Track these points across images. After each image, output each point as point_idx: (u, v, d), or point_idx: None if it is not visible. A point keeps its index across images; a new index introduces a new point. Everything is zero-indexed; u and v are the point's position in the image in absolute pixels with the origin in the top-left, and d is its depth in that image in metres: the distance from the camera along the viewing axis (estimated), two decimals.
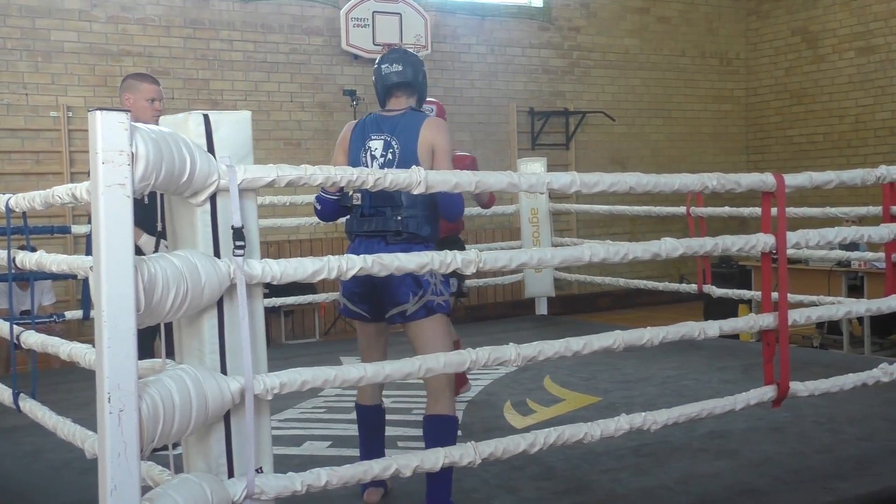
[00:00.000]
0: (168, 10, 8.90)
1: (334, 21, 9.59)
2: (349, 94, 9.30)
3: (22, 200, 3.58)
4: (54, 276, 6.98)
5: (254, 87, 9.28)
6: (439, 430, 3.60)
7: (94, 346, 3.41)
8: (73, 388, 5.75)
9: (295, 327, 9.14)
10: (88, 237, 6.16)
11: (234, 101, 9.10)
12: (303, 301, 7.99)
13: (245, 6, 9.22)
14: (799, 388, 3.97)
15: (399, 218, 3.64)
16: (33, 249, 3.76)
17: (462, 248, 4.88)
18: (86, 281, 6.96)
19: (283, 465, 3.08)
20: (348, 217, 3.81)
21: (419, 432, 4.25)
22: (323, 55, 9.63)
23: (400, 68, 3.83)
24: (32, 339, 3.75)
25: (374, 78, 3.93)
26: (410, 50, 4.07)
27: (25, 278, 5.58)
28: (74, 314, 6.84)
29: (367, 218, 3.70)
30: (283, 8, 9.44)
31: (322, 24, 9.61)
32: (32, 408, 3.78)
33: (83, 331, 7.58)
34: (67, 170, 8.31)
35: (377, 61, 3.93)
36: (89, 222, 5.21)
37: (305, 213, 8.63)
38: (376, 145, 3.76)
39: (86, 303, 7.09)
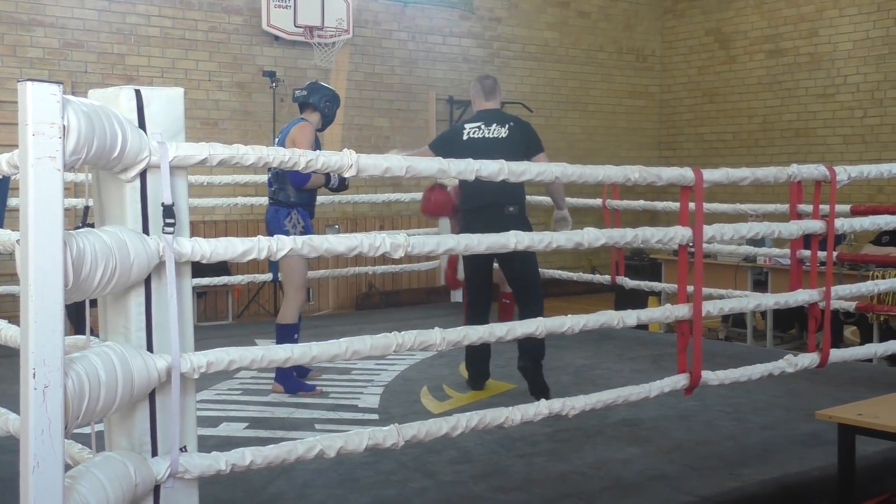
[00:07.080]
0: None
1: (255, 0, 9.45)
2: (269, 76, 9.19)
3: None
4: None
5: (171, 65, 9.10)
6: (282, 334, 5.37)
7: (8, 322, 3.35)
8: None
9: (207, 309, 9.02)
10: None
11: (151, 78, 8.91)
12: (217, 283, 7.90)
13: None
14: (710, 376, 4.11)
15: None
16: None
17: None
18: None
19: (199, 446, 3.04)
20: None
21: (337, 416, 4.53)
22: (243, 35, 9.49)
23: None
24: None
25: None
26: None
27: None
28: None
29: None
30: None
31: (242, 3, 9.46)
32: None
33: None
34: None
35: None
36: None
37: (221, 193, 8.51)
38: None
39: None
